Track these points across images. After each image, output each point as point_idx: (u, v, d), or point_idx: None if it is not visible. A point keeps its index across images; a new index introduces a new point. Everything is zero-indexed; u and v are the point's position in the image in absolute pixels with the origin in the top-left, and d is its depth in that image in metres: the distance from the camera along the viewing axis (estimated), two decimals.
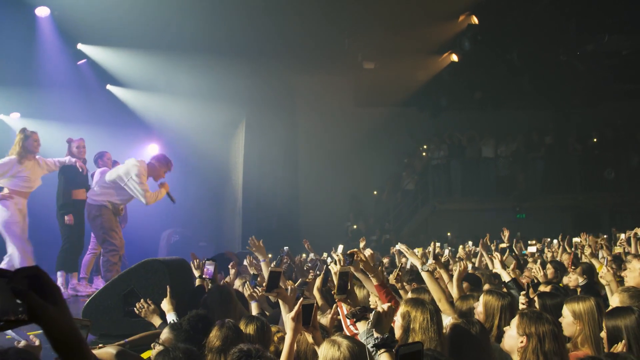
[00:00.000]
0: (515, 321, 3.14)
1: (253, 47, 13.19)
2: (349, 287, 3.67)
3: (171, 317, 4.33)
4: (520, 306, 3.67)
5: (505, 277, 5.00)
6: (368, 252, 4.52)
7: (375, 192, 18.43)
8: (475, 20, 13.06)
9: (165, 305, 4.46)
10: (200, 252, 13.17)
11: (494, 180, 16.73)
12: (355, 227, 17.11)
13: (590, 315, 3.53)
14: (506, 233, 9.66)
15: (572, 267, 6.61)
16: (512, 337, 3.12)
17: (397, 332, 3.30)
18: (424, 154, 17.76)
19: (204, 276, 5.36)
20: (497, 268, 5.29)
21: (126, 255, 9.19)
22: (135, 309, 4.54)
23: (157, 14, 11.43)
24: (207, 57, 13.10)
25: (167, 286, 4.70)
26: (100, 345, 3.51)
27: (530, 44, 13.60)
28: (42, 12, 11.21)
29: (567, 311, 3.63)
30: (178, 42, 12.67)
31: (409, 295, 4.49)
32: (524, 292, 3.76)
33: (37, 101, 12.52)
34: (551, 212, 15.92)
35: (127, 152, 14.45)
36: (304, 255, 10.09)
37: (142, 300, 4.56)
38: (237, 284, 6.06)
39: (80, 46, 12.68)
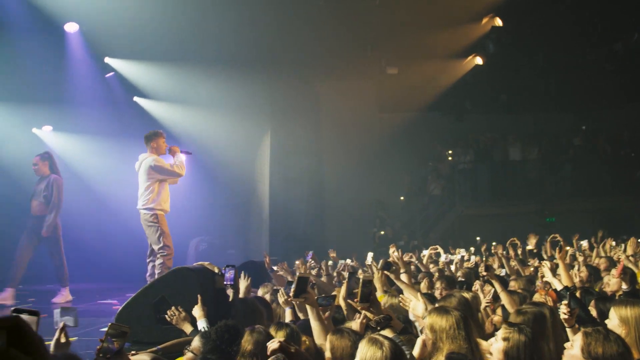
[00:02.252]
0: (578, 341, 2.95)
1: (277, 57, 13.32)
2: (372, 296, 3.64)
3: (202, 324, 4.38)
4: (562, 316, 3.55)
5: (557, 284, 4.81)
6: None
7: (401, 198, 18.35)
8: (498, 22, 12.96)
9: (197, 312, 4.50)
10: (228, 260, 13.32)
11: (521, 183, 16.52)
12: (382, 233, 17.05)
13: (638, 319, 3.45)
14: (533, 239, 9.45)
15: (607, 272, 6.43)
16: (576, 358, 2.95)
17: (426, 346, 3.18)
18: (449, 158, 17.64)
19: (225, 282, 5.38)
20: (548, 276, 5.03)
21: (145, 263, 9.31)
22: (166, 316, 4.61)
23: (182, 26, 11.63)
24: (232, 68, 13.27)
25: (198, 294, 4.74)
26: (133, 352, 3.59)
27: (556, 45, 13.44)
28: (70, 28, 11.50)
29: (613, 314, 3.53)
30: (203, 54, 12.86)
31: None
32: (565, 302, 3.66)
33: (67, 115, 12.82)
34: (581, 215, 15.63)
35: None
36: (330, 262, 10.09)
37: (173, 307, 4.62)
38: (261, 292, 6.07)
39: (107, 60, 12.95)
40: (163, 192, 8.12)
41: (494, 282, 4.88)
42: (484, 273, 4.99)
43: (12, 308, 2.03)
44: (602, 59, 13.89)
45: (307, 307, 3.78)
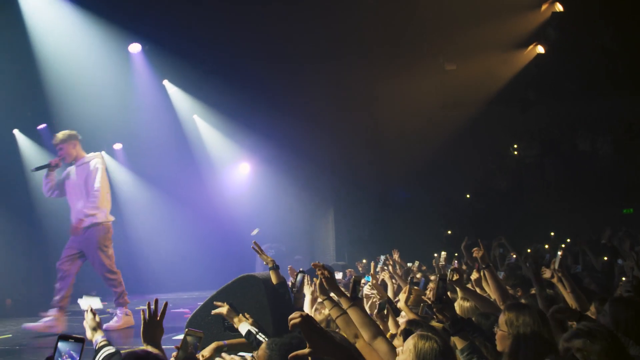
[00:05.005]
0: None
1: (333, 57, 13.37)
2: (446, 297, 3.53)
3: (244, 327, 4.40)
4: None
5: None
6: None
7: (468, 196, 17.94)
8: (559, 7, 12.47)
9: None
10: (295, 266, 13.49)
11: (593, 175, 15.77)
12: (449, 232, 16.74)
13: None
14: (607, 232, 8.96)
15: None
16: None
17: (505, 342, 3.16)
18: (515, 152, 17.10)
19: (294, 288, 5.38)
20: None
21: (223, 270, 9.50)
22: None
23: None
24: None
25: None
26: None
27: (623, 25, 12.75)
28: (134, 48, 12.02)
29: None
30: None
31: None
32: None
33: (135, 132, 13.38)
34: None
35: (219, 172, 15.15)
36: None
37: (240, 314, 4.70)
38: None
39: (165, 82, 13.42)
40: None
41: (564, 280, 4.68)
42: (548, 271, 4.74)
43: (59, 334, 2.09)
44: None
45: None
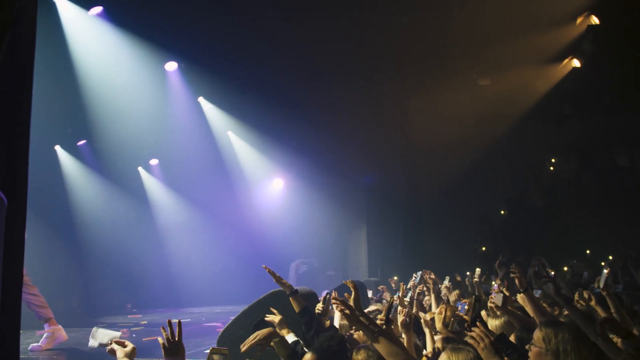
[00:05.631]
0: None
1: (366, 74, 13.44)
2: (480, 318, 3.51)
3: (291, 338, 4.45)
4: None
5: None
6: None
7: (502, 212, 17.67)
8: (595, 20, 12.28)
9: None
10: (328, 282, 13.51)
11: (632, 190, 15.34)
12: (483, 249, 16.50)
13: None
14: None
15: None
16: None
17: (541, 359, 3.12)
18: (551, 167, 16.79)
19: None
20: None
21: (256, 285, 9.54)
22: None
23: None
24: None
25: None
26: None
27: None
28: (170, 67, 12.32)
29: None
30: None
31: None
32: None
33: (171, 148, 13.68)
34: None
35: (253, 187, 15.33)
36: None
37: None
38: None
39: (200, 100, 13.68)
40: None
41: (608, 299, 4.55)
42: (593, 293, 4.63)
43: None
44: None
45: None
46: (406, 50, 12.67)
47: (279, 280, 5.14)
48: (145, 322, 9.72)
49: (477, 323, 3.08)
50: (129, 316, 11.32)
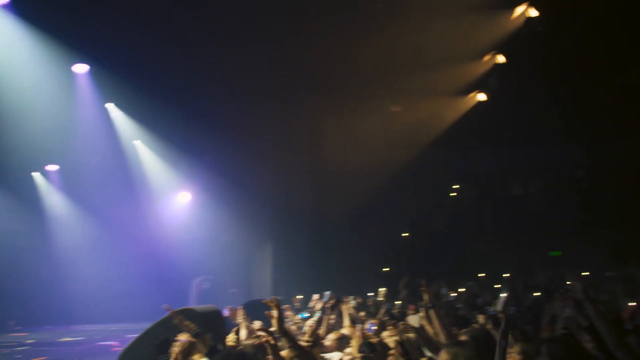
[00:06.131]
0: None
1: (281, 95, 13.45)
2: None
3: None
4: None
5: None
6: None
7: (406, 235, 18.20)
8: (501, 59, 13.11)
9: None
10: (231, 299, 13.22)
11: (526, 218, 16.39)
12: (387, 270, 16.88)
13: None
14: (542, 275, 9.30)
15: None
16: None
17: None
18: (453, 194, 17.57)
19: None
20: None
21: (157, 302, 9.16)
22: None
23: None
24: None
25: None
26: None
27: (559, 79, 13.53)
28: (80, 69, 11.71)
29: None
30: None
31: None
32: None
33: (73, 154, 12.95)
34: (587, 248, 15.43)
35: (158, 199, 14.79)
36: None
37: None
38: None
39: (109, 106, 13.13)
40: None
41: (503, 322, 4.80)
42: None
43: None
44: (604, 92, 13.91)
45: None
46: (322, 73, 12.84)
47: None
48: (33, 340, 9.00)
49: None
50: (11, 335, 10.46)
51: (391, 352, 3.77)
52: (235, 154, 14.48)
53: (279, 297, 10.72)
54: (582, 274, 12.75)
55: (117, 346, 7.86)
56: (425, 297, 4.74)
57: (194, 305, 10.48)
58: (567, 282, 9.73)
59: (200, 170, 14.44)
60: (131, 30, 10.60)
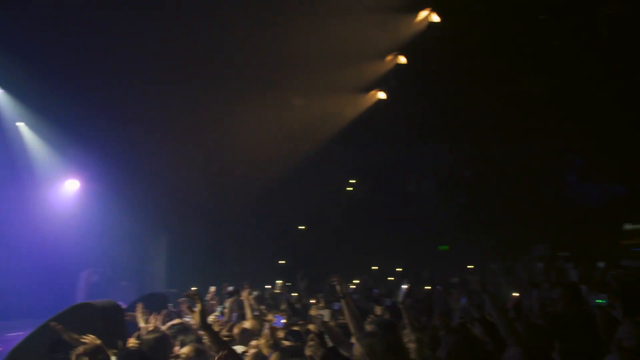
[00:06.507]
0: None
1: (181, 78, 12.99)
2: None
3: None
4: None
5: None
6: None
7: (302, 227, 18.42)
8: (402, 60, 13.62)
9: None
10: (122, 292, 12.65)
11: (416, 214, 17.17)
12: (283, 262, 17.03)
13: None
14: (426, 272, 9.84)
15: None
16: None
17: None
18: (349, 188, 18.02)
19: None
20: None
21: (42, 297, 8.60)
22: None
23: None
24: None
25: None
26: None
27: (455, 84, 14.28)
28: None
29: None
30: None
31: None
32: None
33: None
34: (473, 243, 16.44)
35: (43, 187, 13.80)
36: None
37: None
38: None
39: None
40: None
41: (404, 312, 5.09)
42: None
43: None
44: (494, 99, 14.82)
45: None
46: (224, 62, 12.58)
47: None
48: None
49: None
50: None
51: (309, 342, 3.81)
52: (129, 142, 13.80)
53: (174, 290, 10.45)
54: (468, 266, 13.72)
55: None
56: (338, 288, 4.83)
57: (81, 299, 9.93)
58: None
59: (91, 157, 13.60)
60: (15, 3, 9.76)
